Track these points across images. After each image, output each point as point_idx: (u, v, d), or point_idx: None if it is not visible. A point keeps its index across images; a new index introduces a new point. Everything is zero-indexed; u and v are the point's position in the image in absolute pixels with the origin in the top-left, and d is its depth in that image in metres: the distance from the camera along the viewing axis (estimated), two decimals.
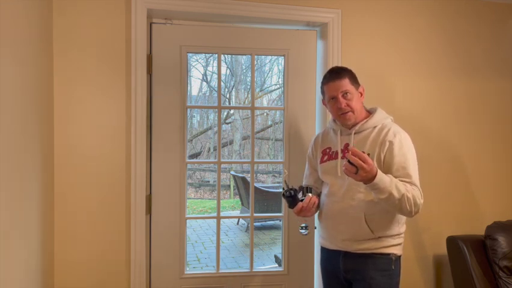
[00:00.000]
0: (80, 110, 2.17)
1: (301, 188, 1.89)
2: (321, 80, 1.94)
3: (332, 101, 1.86)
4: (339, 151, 1.90)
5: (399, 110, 2.49)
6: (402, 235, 1.87)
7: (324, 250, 2.00)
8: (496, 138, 2.68)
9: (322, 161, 1.97)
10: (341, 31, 2.41)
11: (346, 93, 1.83)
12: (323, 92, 1.92)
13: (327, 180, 1.94)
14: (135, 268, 2.23)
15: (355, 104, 1.84)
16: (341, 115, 1.85)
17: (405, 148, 1.79)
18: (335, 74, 1.86)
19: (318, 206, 1.96)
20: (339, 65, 2.36)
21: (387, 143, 1.78)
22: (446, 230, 2.55)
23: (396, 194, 1.64)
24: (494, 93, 2.66)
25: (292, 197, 1.84)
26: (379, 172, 1.64)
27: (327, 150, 1.97)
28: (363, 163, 1.58)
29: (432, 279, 2.59)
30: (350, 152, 1.59)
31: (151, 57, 2.30)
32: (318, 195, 1.99)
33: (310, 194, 1.87)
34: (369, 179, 1.62)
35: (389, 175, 1.69)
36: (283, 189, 1.88)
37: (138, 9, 2.20)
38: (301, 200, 1.85)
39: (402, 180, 1.72)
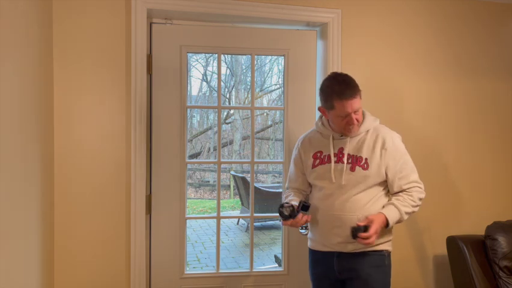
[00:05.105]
0: (80, 110, 2.17)
1: (300, 203, 1.83)
2: (330, 92, 1.80)
3: (342, 116, 1.81)
4: (332, 155, 1.90)
5: (399, 110, 2.49)
6: (391, 231, 1.93)
7: (315, 252, 1.98)
8: (495, 138, 2.68)
9: (314, 166, 1.95)
10: (341, 31, 2.41)
11: (358, 110, 1.82)
12: (332, 106, 1.80)
13: (320, 185, 1.93)
14: (135, 268, 2.23)
15: (360, 116, 1.86)
16: (348, 127, 1.84)
17: (399, 150, 1.89)
18: (350, 91, 1.77)
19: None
20: (339, 65, 2.37)
21: (383, 150, 1.86)
22: (446, 230, 2.55)
23: (409, 214, 1.86)
24: (493, 94, 2.66)
25: (290, 216, 1.81)
26: (387, 215, 1.80)
27: (318, 154, 1.95)
28: (374, 233, 1.74)
29: (432, 280, 2.59)
30: (360, 239, 1.74)
31: (151, 57, 2.30)
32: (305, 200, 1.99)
33: (305, 212, 1.83)
34: (383, 228, 1.82)
35: (394, 205, 1.83)
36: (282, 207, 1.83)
37: (138, 9, 2.20)
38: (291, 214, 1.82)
39: (402, 190, 1.87)
